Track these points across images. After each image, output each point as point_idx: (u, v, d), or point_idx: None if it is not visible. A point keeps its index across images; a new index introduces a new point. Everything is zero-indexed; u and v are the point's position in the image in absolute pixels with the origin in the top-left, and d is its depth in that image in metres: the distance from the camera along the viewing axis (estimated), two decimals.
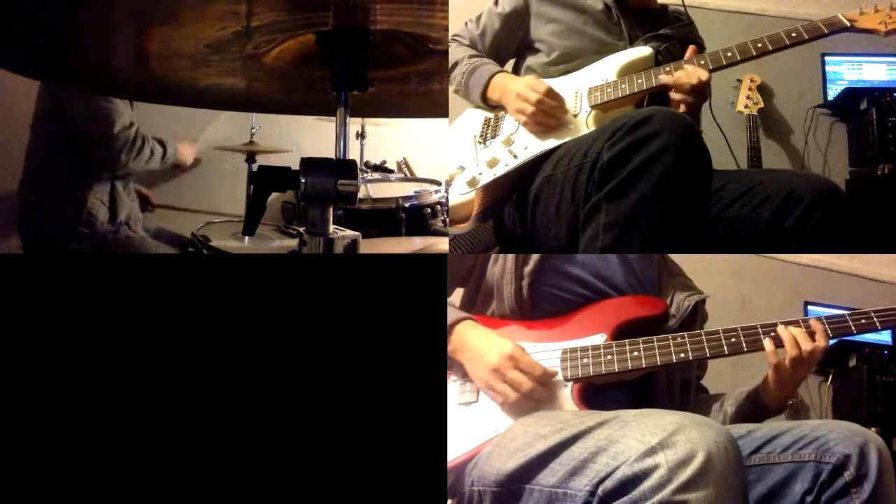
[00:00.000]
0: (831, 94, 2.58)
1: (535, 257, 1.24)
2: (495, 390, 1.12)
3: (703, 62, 1.38)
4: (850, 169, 2.52)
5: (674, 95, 1.35)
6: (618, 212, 1.16)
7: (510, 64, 1.68)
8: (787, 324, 1.13)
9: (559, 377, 1.14)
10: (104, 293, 0.82)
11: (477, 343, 1.15)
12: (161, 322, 0.82)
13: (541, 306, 1.24)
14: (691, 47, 1.40)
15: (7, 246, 2.58)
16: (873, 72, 2.60)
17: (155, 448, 0.81)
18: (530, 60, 1.60)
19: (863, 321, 1.14)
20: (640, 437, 0.91)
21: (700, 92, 1.33)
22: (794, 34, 1.33)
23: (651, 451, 0.88)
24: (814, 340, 1.11)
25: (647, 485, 0.86)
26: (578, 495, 0.93)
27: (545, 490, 0.96)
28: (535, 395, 1.11)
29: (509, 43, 1.64)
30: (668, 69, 1.38)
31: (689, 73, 1.34)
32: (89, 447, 0.80)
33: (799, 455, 1.05)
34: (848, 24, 1.32)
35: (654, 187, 1.14)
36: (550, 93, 1.43)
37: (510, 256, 1.26)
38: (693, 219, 1.20)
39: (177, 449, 0.81)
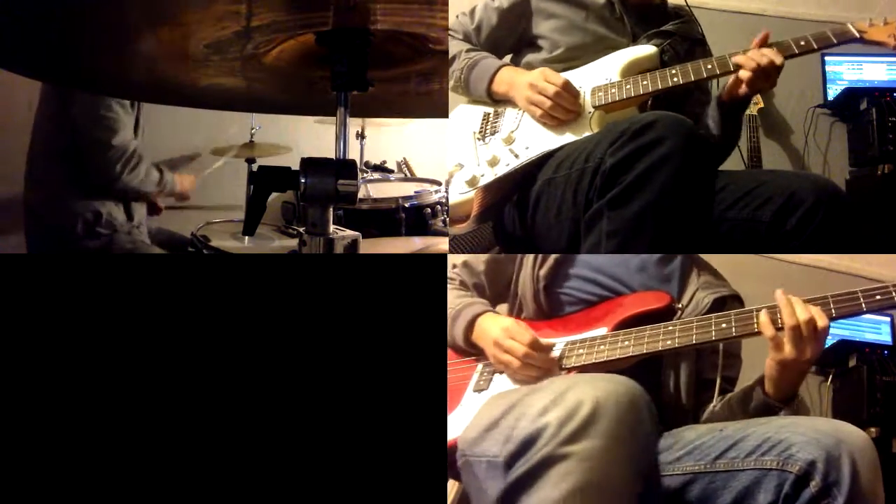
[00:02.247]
0: (831, 94, 2.58)
1: (549, 261, 1.29)
2: (501, 361, 1.20)
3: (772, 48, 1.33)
4: (850, 169, 2.52)
5: (742, 74, 1.32)
6: (621, 220, 1.16)
7: (507, 59, 1.63)
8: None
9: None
10: (104, 293, 0.82)
11: (486, 326, 1.25)
12: (161, 322, 0.82)
13: (558, 307, 1.29)
14: (764, 33, 1.35)
15: (9, 246, 2.57)
16: (873, 72, 2.61)
17: (156, 447, 0.81)
18: (530, 56, 1.57)
19: (878, 297, 1.01)
20: (541, 398, 0.91)
21: (767, 73, 1.31)
22: (802, 42, 1.32)
23: (544, 410, 0.89)
24: (811, 315, 1.01)
25: (539, 442, 0.87)
26: (500, 461, 0.93)
27: (492, 461, 0.96)
28: (531, 360, 1.17)
29: (507, 39, 1.59)
30: (732, 54, 1.35)
31: (763, 52, 1.30)
32: (91, 446, 0.80)
33: (761, 461, 0.95)
34: (857, 35, 1.31)
35: (658, 195, 1.13)
36: (567, 86, 1.40)
37: (528, 261, 1.31)
38: (697, 224, 1.20)
39: (178, 448, 0.81)
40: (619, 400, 0.87)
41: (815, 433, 0.93)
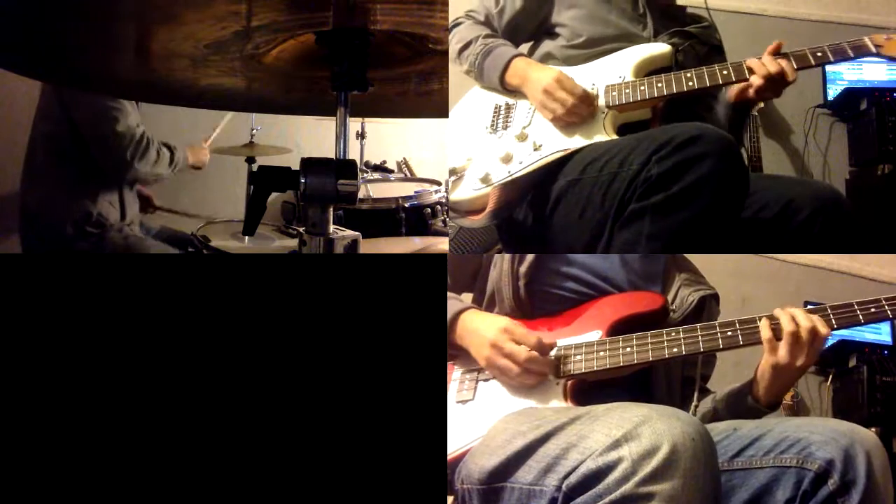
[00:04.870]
0: (831, 94, 2.58)
1: (529, 257, 1.25)
2: (498, 366, 1.14)
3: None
4: (850, 169, 2.52)
5: (753, 79, 1.32)
6: (664, 226, 1.17)
7: (525, 47, 1.62)
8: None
9: (550, 375, 1.14)
10: (104, 293, 0.82)
11: (476, 325, 1.19)
12: (161, 322, 0.82)
13: (540, 305, 1.25)
14: (777, 43, 1.35)
15: (7, 246, 2.57)
16: (873, 72, 2.61)
17: (155, 447, 0.81)
18: (548, 44, 1.56)
19: (872, 310, 1.07)
20: (606, 431, 0.90)
21: (776, 83, 1.31)
22: (819, 53, 1.31)
23: (615, 445, 0.87)
24: (814, 323, 1.05)
25: (611, 478, 0.85)
26: (547, 491, 0.92)
27: (524, 488, 0.95)
28: (533, 365, 1.12)
29: (527, 24, 1.58)
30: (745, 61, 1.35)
31: (776, 61, 1.31)
32: (90, 447, 0.80)
33: (780, 459, 0.99)
34: (874, 49, 1.31)
35: (703, 210, 1.15)
36: (584, 96, 1.39)
37: (506, 258, 1.27)
38: (727, 235, 1.22)
39: (177, 448, 0.81)
40: (694, 438, 0.86)
41: (831, 433, 0.97)
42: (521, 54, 1.52)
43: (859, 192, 2.42)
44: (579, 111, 1.39)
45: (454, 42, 1.56)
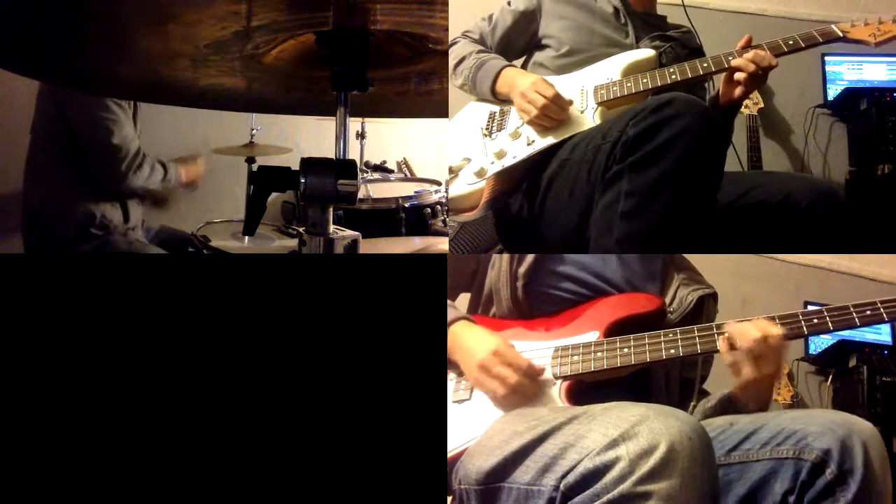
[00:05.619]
0: (831, 94, 2.58)
1: (528, 258, 1.26)
2: (485, 387, 1.13)
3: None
4: (849, 169, 2.52)
5: (739, 76, 1.37)
6: (640, 182, 1.19)
7: (518, 62, 1.71)
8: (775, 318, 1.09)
9: (549, 375, 1.14)
10: (104, 293, 0.82)
11: (467, 342, 1.17)
12: (161, 322, 0.82)
13: (538, 306, 1.26)
14: (747, 36, 1.41)
15: (8, 246, 2.57)
16: (873, 72, 2.60)
17: (155, 447, 0.81)
18: (539, 56, 1.64)
19: (868, 313, 1.07)
20: (603, 431, 0.90)
21: (765, 74, 1.37)
22: (791, 41, 1.38)
23: (613, 444, 0.87)
24: (765, 331, 1.05)
25: (608, 477, 0.85)
26: (545, 491, 0.92)
27: (522, 488, 0.96)
28: (521, 389, 1.11)
29: (518, 39, 1.67)
30: (727, 54, 1.40)
31: (760, 54, 1.35)
32: (91, 447, 0.80)
33: (777, 451, 0.99)
34: (841, 34, 1.37)
35: (676, 163, 1.17)
36: (557, 98, 1.44)
37: (504, 258, 1.28)
38: (707, 197, 1.23)
39: (177, 448, 0.81)
40: (691, 437, 0.86)
41: (828, 423, 0.97)
42: (511, 65, 1.61)
43: (859, 192, 2.41)
44: (550, 113, 1.44)
45: (450, 59, 1.62)
